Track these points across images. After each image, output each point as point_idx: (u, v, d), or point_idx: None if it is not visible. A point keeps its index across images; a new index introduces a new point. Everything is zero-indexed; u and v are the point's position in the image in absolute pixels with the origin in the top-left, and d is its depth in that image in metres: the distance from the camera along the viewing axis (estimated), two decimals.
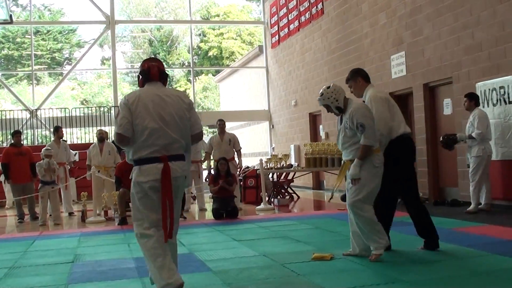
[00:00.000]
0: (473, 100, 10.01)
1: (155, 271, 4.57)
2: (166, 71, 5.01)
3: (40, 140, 21.92)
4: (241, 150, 13.20)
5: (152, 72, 4.86)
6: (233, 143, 12.84)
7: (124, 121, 4.66)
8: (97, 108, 22.90)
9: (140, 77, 4.92)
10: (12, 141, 12.69)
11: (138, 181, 4.66)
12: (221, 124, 13.01)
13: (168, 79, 5.13)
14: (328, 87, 6.12)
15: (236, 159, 12.95)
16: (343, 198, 7.51)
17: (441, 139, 10.37)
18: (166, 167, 4.62)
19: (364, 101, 6.22)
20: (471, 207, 9.85)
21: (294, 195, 15.31)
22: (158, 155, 4.64)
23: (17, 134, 12.61)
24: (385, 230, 6.05)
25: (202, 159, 13.59)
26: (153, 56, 38.59)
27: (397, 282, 4.99)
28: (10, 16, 19.80)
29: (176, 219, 4.82)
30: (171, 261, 4.62)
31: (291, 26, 19.91)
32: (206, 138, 16.06)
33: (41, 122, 21.07)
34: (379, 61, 14.09)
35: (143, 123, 4.65)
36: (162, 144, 4.66)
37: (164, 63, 5.12)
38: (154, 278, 4.63)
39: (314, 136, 18.32)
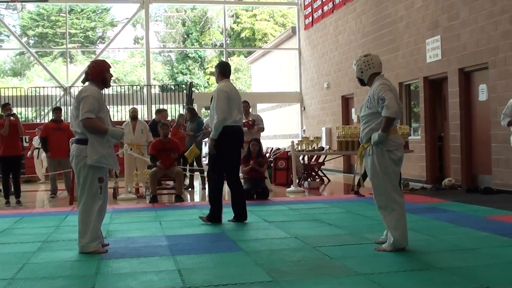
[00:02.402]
0: None
1: None
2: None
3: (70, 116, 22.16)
4: (271, 132, 13.19)
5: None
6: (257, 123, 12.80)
7: None
8: (129, 86, 23.06)
9: None
10: (53, 117, 12.90)
11: None
12: (245, 106, 12.97)
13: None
14: (366, 56, 5.95)
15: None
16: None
17: None
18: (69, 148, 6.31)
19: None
20: None
21: (324, 178, 15.27)
22: None
23: (57, 110, 12.82)
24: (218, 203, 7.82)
25: None
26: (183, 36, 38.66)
27: (431, 269, 4.95)
28: None
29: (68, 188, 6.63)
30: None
31: (325, 8, 19.75)
32: None
33: (74, 99, 21.26)
34: (413, 44, 13.92)
35: None
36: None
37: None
38: None
39: (346, 119, 18.21)
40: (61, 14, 37.83)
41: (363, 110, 5.87)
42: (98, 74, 6.13)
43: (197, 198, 12.44)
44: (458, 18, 12.16)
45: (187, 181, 13.80)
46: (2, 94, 20.90)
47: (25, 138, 17.31)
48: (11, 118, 11.17)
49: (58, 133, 12.18)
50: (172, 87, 24.40)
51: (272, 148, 17.16)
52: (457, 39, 12.19)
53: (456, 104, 12.34)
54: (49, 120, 13.90)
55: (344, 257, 5.46)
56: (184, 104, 19.92)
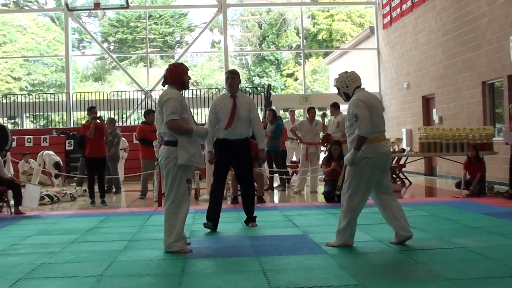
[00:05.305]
0: None
1: None
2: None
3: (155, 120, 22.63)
4: None
5: None
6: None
7: None
8: (207, 89, 23.36)
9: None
10: (145, 119, 13.04)
11: None
12: (332, 108, 13.01)
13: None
14: (346, 72, 6.33)
15: None
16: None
17: None
18: None
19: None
20: None
21: (406, 180, 15.02)
22: None
23: (150, 113, 12.89)
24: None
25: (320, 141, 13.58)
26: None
27: None
28: (127, 1, 20.29)
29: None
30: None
31: (404, 6, 19.44)
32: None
33: (155, 102, 21.73)
34: (497, 42, 13.52)
35: None
36: None
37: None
38: None
39: (427, 120, 17.86)
40: (140, 20, 38.69)
41: (346, 122, 6.28)
42: (177, 77, 6.26)
43: (275, 199, 12.44)
44: None
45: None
46: (86, 98, 21.62)
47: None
48: (97, 121, 11.51)
49: (153, 135, 12.27)
50: (250, 90, 24.55)
51: None
52: None
53: None
54: (141, 122, 14.01)
55: (429, 261, 5.35)
56: (263, 107, 20.02)
